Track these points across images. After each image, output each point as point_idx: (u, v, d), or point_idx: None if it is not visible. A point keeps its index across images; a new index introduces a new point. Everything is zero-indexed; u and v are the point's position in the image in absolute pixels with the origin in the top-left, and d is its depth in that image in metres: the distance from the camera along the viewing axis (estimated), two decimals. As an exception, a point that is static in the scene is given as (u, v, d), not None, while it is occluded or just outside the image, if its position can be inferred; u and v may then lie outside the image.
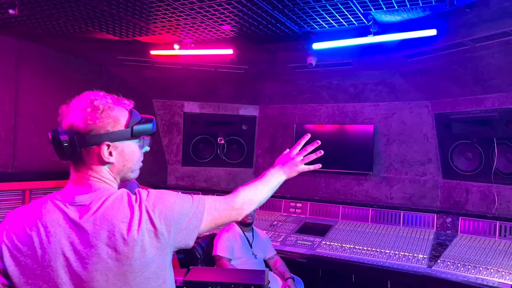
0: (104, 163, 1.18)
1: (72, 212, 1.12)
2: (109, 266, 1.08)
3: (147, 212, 1.13)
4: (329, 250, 3.83)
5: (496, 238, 3.66)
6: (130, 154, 1.23)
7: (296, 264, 3.77)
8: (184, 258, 3.71)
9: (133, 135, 1.21)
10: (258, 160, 5.83)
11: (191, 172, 5.74)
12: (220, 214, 1.29)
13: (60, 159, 1.19)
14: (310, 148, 1.58)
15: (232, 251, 3.45)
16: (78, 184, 1.18)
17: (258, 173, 5.80)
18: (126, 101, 1.25)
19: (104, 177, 1.19)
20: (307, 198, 4.88)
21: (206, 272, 2.83)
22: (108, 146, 1.17)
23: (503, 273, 3.12)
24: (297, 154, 1.56)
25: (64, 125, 1.18)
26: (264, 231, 4.03)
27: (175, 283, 1.31)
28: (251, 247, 3.59)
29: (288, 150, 1.61)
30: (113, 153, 1.19)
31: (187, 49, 3.85)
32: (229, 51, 3.90)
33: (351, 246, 3.85)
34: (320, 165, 1.58)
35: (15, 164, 4.14)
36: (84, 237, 1.09)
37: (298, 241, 4.09)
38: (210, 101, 5.72)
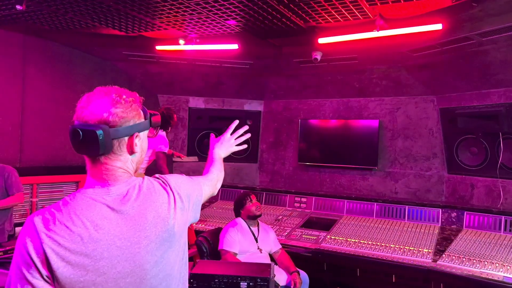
0: (132, 153, 1.24)
1: (113, 203, 1.15)
2: (157, 245, 1.17)
3: (177, 192, 1.28)
4: (334, 244, 3.84)
5: (502, 233, 3.66)
6: (145, 145, 1.31)
7: (301, 258, 3.79)
8: (190, 252, 3.74)
9: (151, 126, 1.31)
10: (262, 155, 5.85)
11: (197, 166, 5.76)
12: (209, 190, 1.56)
13: (82, 153, 1.19)
14: (241, 131, 1.82)
15: (238, 245, 3.48)
16: (104, 177, 1.19)
17: (263, 168, 5.84)
18: (137, 95, 1.31)
19: (129, 168, 1.24)
20: (312, 193, 4.89)
21: (212, 266, 2.85)
22: (137, 136, 1.24)
23: (508, 267, 3.12)
24: (231, 137, 1.81)
25: (91, 120, 1.16)
26: (269, 225, 4.05)
27: None
28: (257, 241, 3.61)
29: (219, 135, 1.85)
30: (137, 143, 1.25)
31: (192, 44, 3.86)
32: (234, 46, 3.90)
33: (356, 241, 3.87)
34: (246, 146, 1.86)
35: (22, 159, 4.18)
36: (131, 223, 1.15)
37: (303, 236, 4.11)
38: (215, 96, 5.73)
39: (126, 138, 1.21)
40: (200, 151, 5.74)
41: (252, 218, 3.67)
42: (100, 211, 1.12)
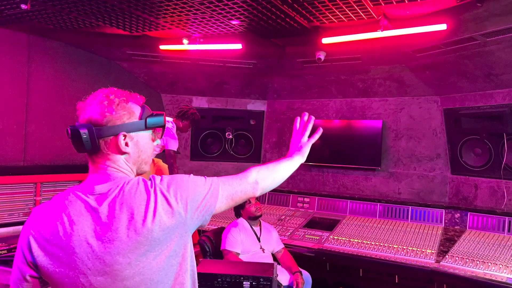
0: (121, 153, 1.25)
1: (92, 201, 1.19)
2: (131, 248, 1.15)
3: (162, 193, 1.20)
4: (336, 245, 3.84)
5: (505, 234, 3.65)
6: (144, 146, 1.31)
7: (304, 258, 3.79)
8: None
9: (147, 127, 1.29)
10: (265, 155, 5.85)
11: (199, 166, 5.77)
12: (235, 189, 1.34)
13: (79, 152, 1.26)
14: (311, 126, 1.71)
15: (240, 245, 3.48)
16: (97, 175, 1.25)
17: (265, 168, 5.84)
18: (138, 96, 1.32)
19: (122, 167, 1.26)
20: (315, 193, 4.89)
21: (215, 265, 2.86)
22: (125, 136, 1.24)
23: (512, 268, 3.12)
24: (309, 140, 1.69)
25: (81, 119, 1.24)
26: (272, 225, 4.05)
27: None
28: (259, 241, 3.61)
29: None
30: (129, 143, 1.26)
31: (196, 44, 3.87)
32: (238, 46, 3.91)
33: (359, 241, 3.86)
34: (321, 129, 1.71)
35: (26, 157, 4.19)
36: (104, 223, 1.16)
37: (306, 236, 4.11)
38: (218, 96, 5.74)
39: (112, 137, 1.23)
40: (203, 151, 5.75)
41: (253, 219, 3.67)
42: (79, 208, 1.18)
